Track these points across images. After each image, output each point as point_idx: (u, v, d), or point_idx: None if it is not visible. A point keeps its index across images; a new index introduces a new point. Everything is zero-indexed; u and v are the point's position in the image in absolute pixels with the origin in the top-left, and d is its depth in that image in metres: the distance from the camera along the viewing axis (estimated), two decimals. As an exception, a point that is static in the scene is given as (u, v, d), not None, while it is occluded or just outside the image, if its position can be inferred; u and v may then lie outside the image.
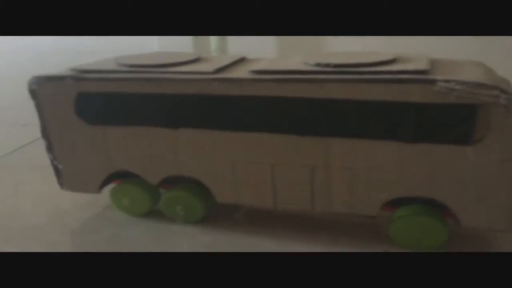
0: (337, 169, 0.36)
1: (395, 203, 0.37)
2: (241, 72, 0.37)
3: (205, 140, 0.38)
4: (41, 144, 0.43)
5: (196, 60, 0.41)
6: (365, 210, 0.37)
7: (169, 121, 0.38)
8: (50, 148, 0.43)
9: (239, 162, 0.38)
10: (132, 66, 0.39)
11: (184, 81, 0.37)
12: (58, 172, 0.44)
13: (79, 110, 0.40)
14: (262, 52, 0.51)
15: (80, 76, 0.39)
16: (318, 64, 0.36)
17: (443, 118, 0.32)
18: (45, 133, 0.42)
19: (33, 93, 0.41)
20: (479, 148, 0.32)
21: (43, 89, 0.40)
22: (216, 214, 0.43)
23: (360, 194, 0.36)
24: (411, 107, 0.32)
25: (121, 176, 0.43)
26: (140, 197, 0.43)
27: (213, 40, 1.21)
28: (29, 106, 0.42)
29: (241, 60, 0.42)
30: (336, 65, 0.35)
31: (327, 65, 0.35)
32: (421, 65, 0.33)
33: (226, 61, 0.40)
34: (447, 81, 0.31)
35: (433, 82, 0.32)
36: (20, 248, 0.40)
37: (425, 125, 0.33)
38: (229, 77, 0.36)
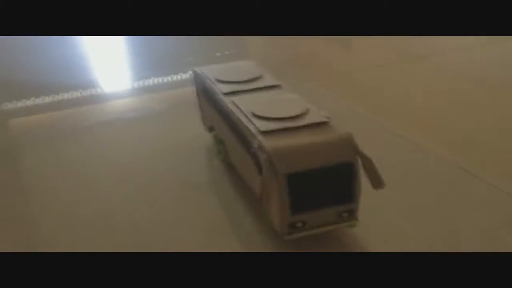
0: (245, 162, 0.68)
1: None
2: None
3: (219, 119, 0.75)
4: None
5: (248, 80, 0.76)
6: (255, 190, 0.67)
7: (212, 105, 0.77)
8: (198, 103, 0.88)
9: (227, 139, 0.74)
10: (212, 77, 0.78)
11: (214, 93, 0.74)
12: (201, 115, 0.89)
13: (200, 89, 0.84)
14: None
15: (200, 74, 0.82)
16: (235, 104, 0.67)
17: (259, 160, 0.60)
18: (197, 95, 0.87)
19: (192, 76, 0.86)
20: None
21: (195, 76, 0.85)
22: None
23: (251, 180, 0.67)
24: (254, 148, 0.61)
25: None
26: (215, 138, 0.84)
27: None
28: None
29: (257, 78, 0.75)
30: (250, 113, 0.65)
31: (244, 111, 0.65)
32: (269, 127, 0.60)
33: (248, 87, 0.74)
34: (257, 142, 0.59)
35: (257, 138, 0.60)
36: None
37: (258, 161, 0.61)
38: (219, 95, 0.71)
